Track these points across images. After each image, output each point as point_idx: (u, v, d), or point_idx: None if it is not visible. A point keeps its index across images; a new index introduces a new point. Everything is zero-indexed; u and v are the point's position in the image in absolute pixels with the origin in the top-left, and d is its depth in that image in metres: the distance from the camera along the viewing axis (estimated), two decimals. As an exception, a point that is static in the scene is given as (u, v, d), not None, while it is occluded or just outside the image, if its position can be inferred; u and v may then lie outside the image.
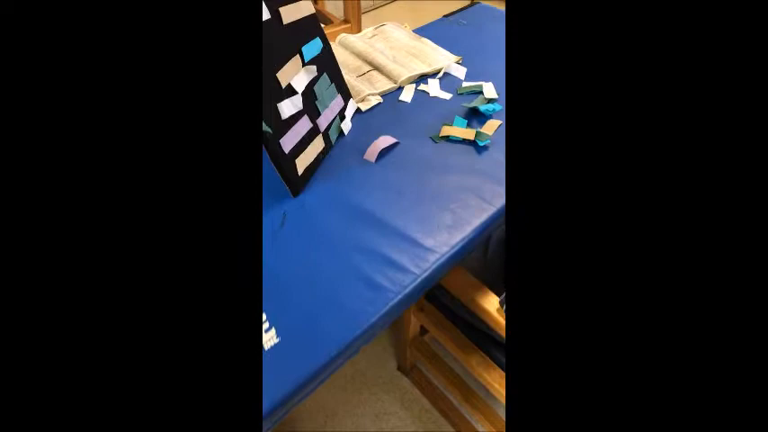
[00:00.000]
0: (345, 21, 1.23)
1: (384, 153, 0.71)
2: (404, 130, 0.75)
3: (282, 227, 0.60)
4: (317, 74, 0.68)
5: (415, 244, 0.57)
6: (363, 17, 1.41)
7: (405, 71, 0.86)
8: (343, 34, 0.97)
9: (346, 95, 0.77)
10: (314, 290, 0.53)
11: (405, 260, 0.55)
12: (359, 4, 1.19)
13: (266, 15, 0.58)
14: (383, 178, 0.67)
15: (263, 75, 0.57)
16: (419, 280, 0.54)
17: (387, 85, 0.85)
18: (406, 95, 0.83)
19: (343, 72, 0.77)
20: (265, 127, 0.56)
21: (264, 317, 0.50)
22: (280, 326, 0.49)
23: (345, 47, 0.95)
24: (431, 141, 0.74)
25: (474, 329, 0.77)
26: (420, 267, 0.55)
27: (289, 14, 0.62)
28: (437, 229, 0.60)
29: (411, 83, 0.86)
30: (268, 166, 0.60)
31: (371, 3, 2.15)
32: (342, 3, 1.36)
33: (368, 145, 0.73)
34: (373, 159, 0.70)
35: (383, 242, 0.57)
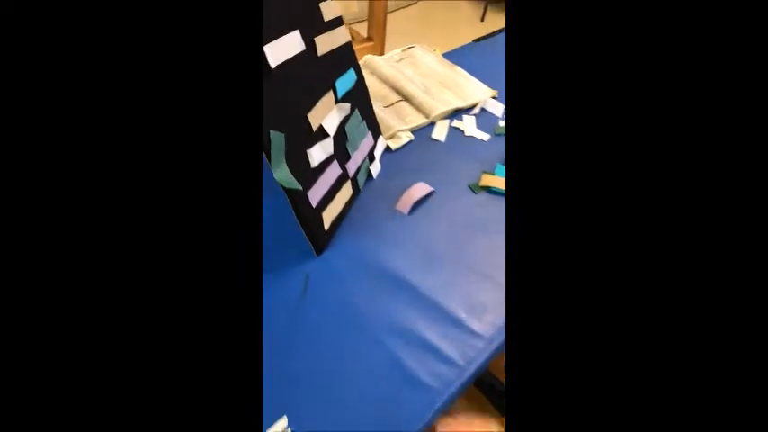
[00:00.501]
0: (368, 38, 1.14)
1: (418, 202, 0.63)
2: (438, 175, 0.67)
3: (305, 295, 0.51)
4: (349, 112, 0.59)
5: (459, 325, 0.49)
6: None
7: (438, 105, 0.78)
8: (369, 56, 0.89)
9: (376, 132, 0.69)
10: (340, 380, 0.44)
11: (449, 348, 0.47)
12: (384, 21, 1.09)
13: (299, 47, 0.49)
14: (417, 234, 0.59)
15: (293, 117, 0.49)
16: (466, 375, 0.46)
17: (418, 120, 0.76)
18: (440, 133, 0.75)
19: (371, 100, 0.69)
20: (292, 181, 0.47)
21: (283, 415, 0.41)
22: (294, 419, 0.41)
23: (372, 71, 0.86)
24: (469, 191, 0.66)
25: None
26: (466, 357, 0.47)
27: (324, 44, 0.53)
28: (482, 306, 0.52)
29: (444, 118, 0.78)
30: (289, 218, 0.51)
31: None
32: (360, 8, 1.27)
33: (399, 190, 0.65)
34: (406, 211, 0.62)
35: (422, 322, 0.49)
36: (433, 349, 0.47)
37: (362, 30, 1.28)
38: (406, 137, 0.73)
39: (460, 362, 0.46)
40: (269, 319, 0.49)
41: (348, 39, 0.59)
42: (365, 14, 1.24)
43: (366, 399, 0.43)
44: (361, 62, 0.89)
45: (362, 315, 0.50)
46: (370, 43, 1.13)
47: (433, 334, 0.48)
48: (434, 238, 0.59)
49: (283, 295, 0.51)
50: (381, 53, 1.17)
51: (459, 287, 0.53)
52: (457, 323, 0.49)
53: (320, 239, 0.54)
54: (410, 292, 0.52)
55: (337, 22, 0.57)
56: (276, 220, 0.51)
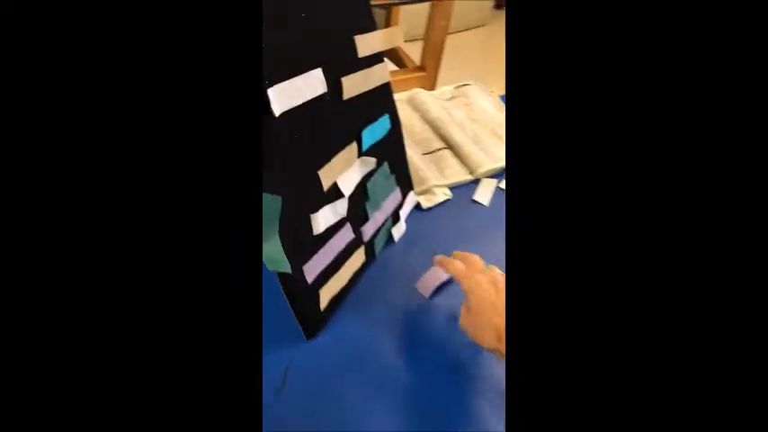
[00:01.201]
0: (420, 67, 1.03)
1: (444, 284, 0.52)
2: (475, 247, 0.55)
3: (282, 391, 0.41)
4: (374, 166, 0.49)
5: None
6: (413, 45, 1.16)
7: (486, 159, 0.66)
8: (417, 90, 0.79)
9: (407, 187, 0.58)
10: None
11: None
12: (441, 47, 0.98)
13: (320, 89, 0.40)
14: (437, 328, 0.47)
15: (298, 174, 0.39)
16: None
17: (460, 176, 0.65)
18: (483, 195, 0.63)
19: (407, 144, 0.58)
20: (281, 261, 0.37)
21: None
22: None
23: (415, 108, 0.76)
24: (509, 276, 0.54)
25: None
26: None
27: (353, 86, 0.44)
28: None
29: (491, 176, 0.66)
30: (276, 294, 0.41)
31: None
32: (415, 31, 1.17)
33: (423, 262, 0.53)
34: (427, 294, 0.50)
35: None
36: None
37: (415, 53, 1.17)
38: (443, 194, 0.62)
39: None
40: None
41: (386, 79, 0.50)
42: (422, 32, 1.12)
43: None
44: (405, 95, 0.79)
45: (345, 417, 0.39)
46: (422, 74, 1.03)
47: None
48: (460, 338, 0.47)
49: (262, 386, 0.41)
50: (432, 87, 1.06)
51: (483, 418, 0.41)
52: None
53: (313, 322, 0.44)
54: (416, 414, 0.40)
55: (375, 59, 0.47)
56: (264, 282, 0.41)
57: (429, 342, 0.46)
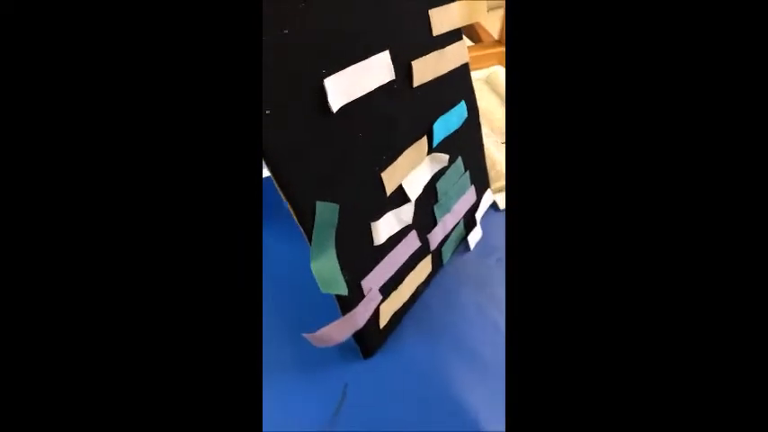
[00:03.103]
0: (500, 41, 0.91)
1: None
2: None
3: (338, 413, 0.37)
4: (447, 163, 0.42)
5: None
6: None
7: (578, 151, 0.56)
8: (496, 68, 0.69)
9: (482, 185, 0.50)
10: None
11: None
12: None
13: (387, 76, 0.33)
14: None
15: (358, 177, 0.34)
16: None
17: (545, 169, 0.56)
18: (574, 193, 0.54)
19: (483, 132, 0.50)
20: (336, 281, 0.33)
21: None
22: None
23: (494, 89, 0.67)
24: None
25: None
26: None
27: (426, 70, 0.37)
28: None
29: (584, 171, 0.56)
30: (331, 306, 0.36)
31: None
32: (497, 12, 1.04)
33: (498, 272, 0.47)
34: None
35: None
36: None
37: (493, 25, 1.04)
38: (524, 192, 0.54)
39: None
40: None
41: (465, 60, 0.42)
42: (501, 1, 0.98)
43: None
44: (483, 74, 0.70)
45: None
46: (501, 49, 0.91)
47: None
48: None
49: (312, 404, 0.38)
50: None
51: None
52: None
53: (371, 341, 0.39)
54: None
55: (453, 36, 0.39)
56: (318, 294, 0.37)
57: (503, 366, 0.40)
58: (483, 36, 0.98)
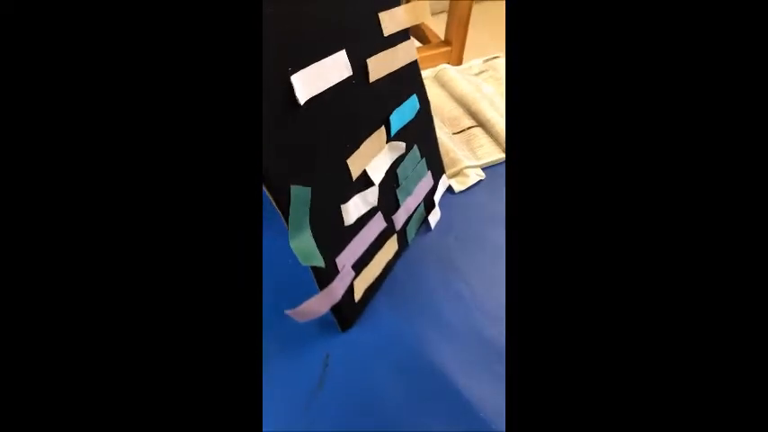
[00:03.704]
0: (446, 42, 0.98)
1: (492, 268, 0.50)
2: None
3: (323, 384, 0.41)
4: (404, 150, 0.47)
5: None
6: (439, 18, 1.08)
7: (520, 136, 0.63)
8: (444, 66, 0.75)
9: (438, 170, 0.56)
10: None
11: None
12: (467, 20, 0.93)
13: (345, 72, 0.37)
14: (481, 318, 0.46)
15: (326, 164, 0.38)
16: None
17: (492, 155, 0.62)
18: (519, 174, 0.60)
19: (436, 124, 0.55)
20: (313, 254, 0.36)
21: None
22: None
23: (443, 85, 0.73)
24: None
25: None
26: None
27: (380, 67, 0.41)
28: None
29: (526, 154, 0.63)
30: (310, 286, 0.40)
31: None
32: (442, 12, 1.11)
33: (457, 248, 0.52)
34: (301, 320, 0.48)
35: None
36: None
37: (439, 27, 1.12)
38: (476, 175, 0.59)
39: None
40: (272, 403, 0.39)
41: (414, 57, 0.47)
42: (445, 4, 1.06)
43: None
44: (431, 72, 0.75)
45: (384, 425, 0.38)
46: (447, 48, 0.98)
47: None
48: (501, 326, 0.45)
49: (296, 375, 0.41)
50: (459, 62, 1.01)
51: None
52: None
53: (348, 313, 0.43)
54: (454, 404, 0.39)
55: (401, 36, 0.44)
56: (299, 272, 0.40)
57: (475, 332, 0.45)
58: (431, 37, 1.05)
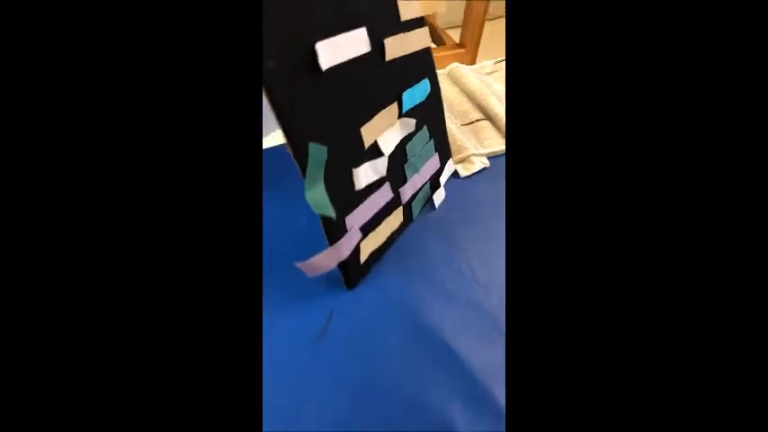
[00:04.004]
0: (460, 45, 1.04)
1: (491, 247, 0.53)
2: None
3: (325, 334, 0.44)
4: (414, 129, 0.50)
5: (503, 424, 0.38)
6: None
7: (525, 130, 0.66)
8: (456, 64, 0.79)
9: (445, 155, 0.59)
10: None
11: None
12: (481, 26, 0.98)
13: (364, 48, 0.41)
14: (478, 289, 0.49)
15: (342, 129, 0.41)
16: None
17: (497, 145, 0.65)
18: (522, 164, 0.63)
19: (446, 116, 0.59)
20: (325, 205, 0.40)
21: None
22: None
23: (455, 81, 0.77)
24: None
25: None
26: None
27: (396, 48, 0.45)
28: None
29: (530, 146, 0.66)
30: (320, 244, 0.43)
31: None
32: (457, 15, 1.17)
33: (460, 227, 0.55)
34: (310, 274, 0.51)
35: (456, 412, 0.39)
36: (462, 446, 0.37)
37: (456, 36, 1.18)
38: (481, 163, 0.63)
39: (495, 472, 0.36)
40: (281, 352, 0.42)
41: (427, 44, 0.51)
42: (461, 20, 1.13)
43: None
44: (445, 70, 0.79)
45: (383, 378, 0.41)
46: (461, 50, 1.03)
47: (465, 426, 0.38)
48: (501, 301, 0.48)
49: (302, 327, 0.44)
50: (473, 63, 1.06)
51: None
52: (502, 423, 0.38)
53: (353, 272, 0.47)
54: (450, 364, 0.42)
55: (416, 23, 0.48)
56: (311, 234, 0.44)
57: (473, 301, 0.47)
58: (447, 41, 1.10)
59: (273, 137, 0.66)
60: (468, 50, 1.03)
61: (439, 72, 0.79)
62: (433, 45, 1.16)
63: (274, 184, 0.56)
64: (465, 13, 1.04)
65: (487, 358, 0.42)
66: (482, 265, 0.51)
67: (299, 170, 0.38)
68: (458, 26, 1.18)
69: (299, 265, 0.42)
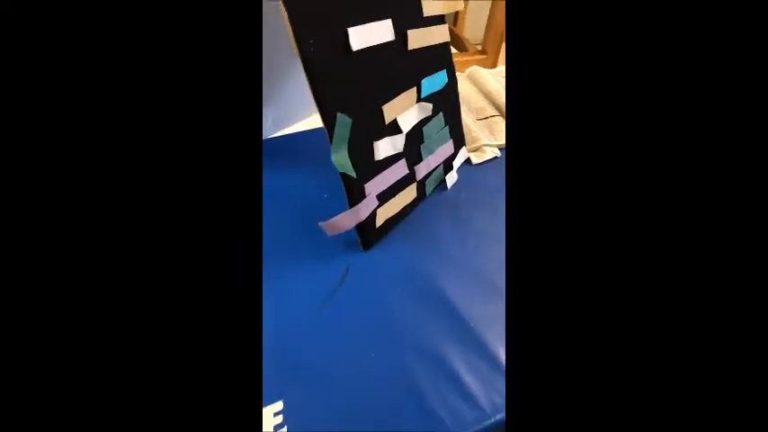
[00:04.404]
0: (482, 51, 1.10)
1: (490, 227, 0.57)
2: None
3: (342, 285, 0.49)
4: (431, 113, 0.56)
5: (497, 368, 0.43)
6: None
7: (537, 126, 0.71)
8: (475, 67, 0.85)
9: (459, 142, 0.65)
10: (349, 387, 0.41)
11: (477, 388, 0.41)
12: (502, 35, 1.05)
13: (389, 36, 0.48)
14: (478, 259, 0.53)
15: (366, 104, 0.47)
16: (487, 423, 0.39)
17: (510, 138, 0.70)
18: (531, 156, 0.68)
19: (463, 111, 0.65)
20: (348, 167, 0.46)
21: (279, 405, 0.39)
22: (291, 409, 0.39)
23: (474, 82, 0.83)
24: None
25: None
26: (493, 404, 0.40)
27: (417, 39, 0.52)
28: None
29: (541, 141, 0.71)
30: (342, 203, 0.49)
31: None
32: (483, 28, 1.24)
33: (469, 207, 0.60)
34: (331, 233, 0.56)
35: (455, 352, 0.44)
36: (459, 384, 0.41)
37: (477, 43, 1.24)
38: (492, 152, 0.68)
39: (486, 406, 0.40)
40: (300, 298, 0.48)
41: (446, 39, 0.57)
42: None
43: (369, 415, 0.39)
44: (466, 72, 0.85)
45: (393, 324, 0.46)
46: (483, 56, 1.09)
47: (463, 367, 0.42)
48: (499, 269, 0.52)
49: (321, 279, 0.50)
50: (493, 67, 1.12)
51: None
52: (494, 365, 0.43)
53: (369, 235, 0.52)
54: (452, 317, 0.47)
55: (437, 20, 0.54)
56: (332, 199, 0.50)
57: (472, 268, 0.52)
58: (468, 46, 1.17)
59: (310, 120, 0.73)
60: (490, 55, 1.09)
61: (460, 74, 0.85)
62: (456, 50, 1.22)
63: (304, 164, 0.63)
64: (488, 17, 1.11)
65: (484, 311, 0.47)
66: (484, 239, 0.56)
67: (327, 136, 0.44)
68: (478, 44, 1.24)
69: (321, 224, 0.48)
